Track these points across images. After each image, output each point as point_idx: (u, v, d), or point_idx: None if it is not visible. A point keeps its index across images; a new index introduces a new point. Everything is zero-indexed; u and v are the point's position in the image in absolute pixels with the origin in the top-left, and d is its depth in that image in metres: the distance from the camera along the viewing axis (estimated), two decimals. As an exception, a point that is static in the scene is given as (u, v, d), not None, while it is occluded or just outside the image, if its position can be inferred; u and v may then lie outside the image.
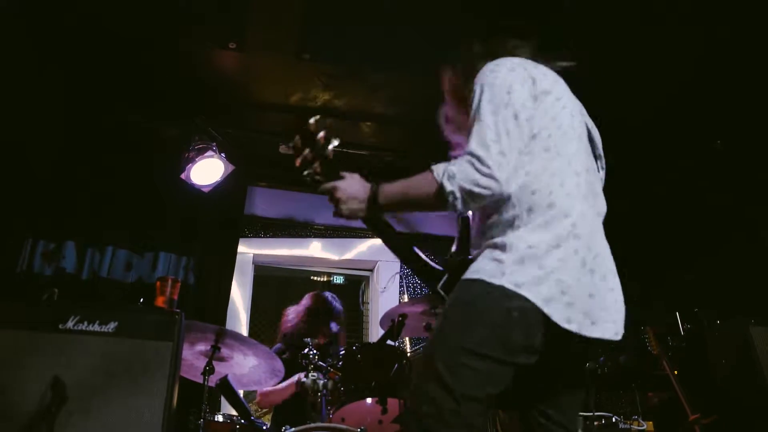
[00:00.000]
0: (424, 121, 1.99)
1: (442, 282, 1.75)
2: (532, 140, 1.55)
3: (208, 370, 2.85)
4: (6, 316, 2.16)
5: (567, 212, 1.49)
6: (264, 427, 2.91)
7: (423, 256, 1.85)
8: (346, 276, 5.70)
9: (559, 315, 1.39)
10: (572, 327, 1.40)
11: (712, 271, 4.07)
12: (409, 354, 3.43)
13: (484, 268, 1.46)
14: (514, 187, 1.50)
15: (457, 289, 1.52)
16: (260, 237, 5.23)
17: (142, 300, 3.52)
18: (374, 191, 1.62)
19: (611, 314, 1.49)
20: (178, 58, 3.86)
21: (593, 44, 3.51)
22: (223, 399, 3.82)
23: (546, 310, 1.39)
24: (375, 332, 4.99)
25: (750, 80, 3.70)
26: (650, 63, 3.72)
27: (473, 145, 1.49)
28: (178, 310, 2.40)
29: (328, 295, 3.83)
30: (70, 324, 2.19)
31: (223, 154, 4.27)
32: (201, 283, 4.42)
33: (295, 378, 3.28)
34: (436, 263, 1.87)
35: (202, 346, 2.91)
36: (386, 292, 5.17)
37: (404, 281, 5.32)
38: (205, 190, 4.35)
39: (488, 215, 1.56)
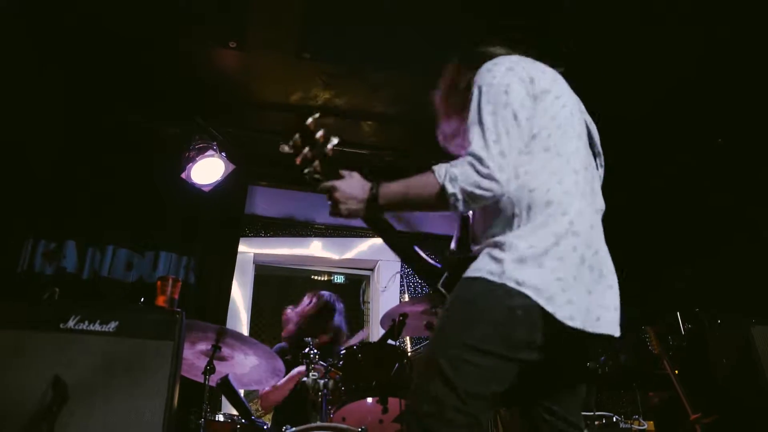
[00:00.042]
0: (425, 121, 1.99)
1: (442, 280, 1.75)
2: (532, 140, 1.55)
3: (209, 370, 2.85)
4: (7, 315, 2.16)
5: (565, 210, 1.49)
6: (265, 427, 2.91)
7: (423, 255, 1.85)
8: (346, 275, 5.70)
9: (562, 313, 1.40)
10: (576, 324, 1.41)
11: (713, 270, 4.07)
12: (409, 353, 3.44)
13: (484, 266, 1.47)
14: (514, 186, 1.50)
15: (458, 287, 1.52)
16: (261, 236, 5.23)
17: (142, 299, 3.52)
18: (374, 191, 1.62)
19: (610, 312, 1.50)
20: (178, 58, 3.86)
21: (593, 43, 3.51)
22: (223, 398, 3.82)
23: (549, 308, 1.39)
24: (376, 332, 4.99)
25: (751, 79, 3.70)
26: (649, 61, 3.72)
27: (474, 146, 1.50)
28: (178, 310, 2.40)
29: (327, 294, 3.82)
30: (71, 323, 2.18)
31: (223, 154, 4.27)
32: (202, 282, 4.42)
33: (294, 372, 3.28)
34: (437, 262, 1.87)
35: (202, 346, 2.91)
36: (387, 292, 5.17)
37: (405, 281, 5.32)
38: (206, 189, 4.35)
39: (488, 214, 1.57)
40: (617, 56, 3.70)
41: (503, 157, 1.48)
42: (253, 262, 5.19)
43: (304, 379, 2.84)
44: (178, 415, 2.21)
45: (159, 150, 4.50)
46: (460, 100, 1.71)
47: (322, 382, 2.79)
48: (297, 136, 1.73)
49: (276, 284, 5.67)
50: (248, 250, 5.10)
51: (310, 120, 1.72)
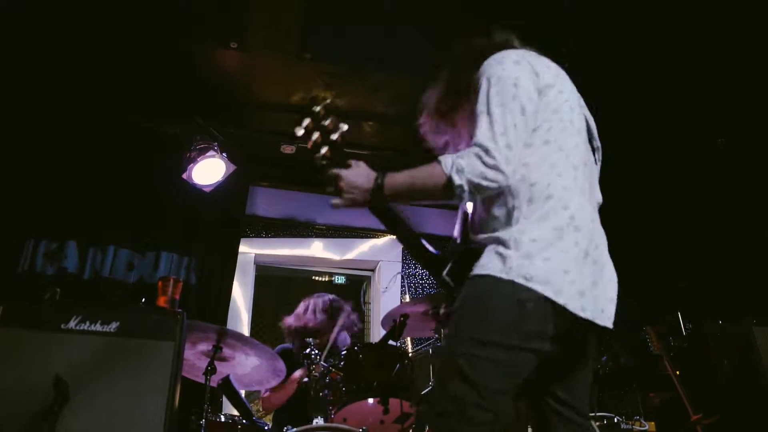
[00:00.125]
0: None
1: (447, 269, 1.75)
2: (533, 132, 1.56)
3: (210, 370, 2.85)
4: (8, 315, 2.16)
5: (566, 204, 1.51)
6: (266, 428, 2.91)
7: (430, 248, 1.84)
8: (347, 276, 5.69)
9: (574, 304, 1.42)
10: (587, 315, 1.43)
11: (714, 270, 4.06)
12: (410, 354, 3.43)
13: (490, 264, 1.48)
14: (516, 179, 1.51)
15: (466, 287, 1.52)
16: (262, 237, 5.22)
17: (143, 300, 3.53)
18: (379, 181, 1.62)
19: (612, 304, 1.53)
20: (179, 58, 3.86)
21: (593, 43, 3.51)
22: (224, 399, 3.82)
23: (561, 300, 1.41)
24: (376, 332, 4.99)
25: (752, 79, 3.70)
26: (650, 60, 3.72)
27: (481, 137, 1.51)
28: (179, 310, 2.40)
29: (328, 295, 3.81)
30: (72, 324, 2.18)
31: (224, 154, 4.27)
32: (203, 282, 4.43)
33: (296, 374, 3.28)
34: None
35: (203, 346, 2.91)
36: (388, 292, 5.17)
37: (406, 281, 5.32)
38: (207, 189, 4.35)
39: (489, 205, 1.58)
40: (617, 56, 3.70)
41: (509, 150, 1.49)
42: (254, 263, 5.18)
43: (305, 379, 2.83)
44: (179, 416, 2.21)
45: (159, 150, 4.50)
46: (460, 97, 1.73)
47: (322, 382, 2.79)
48: (308, 120, 1.75)
49: (277, 285, 5.66)
50: (249, 250, 5.09)
51: (319, 106, 1.74)
